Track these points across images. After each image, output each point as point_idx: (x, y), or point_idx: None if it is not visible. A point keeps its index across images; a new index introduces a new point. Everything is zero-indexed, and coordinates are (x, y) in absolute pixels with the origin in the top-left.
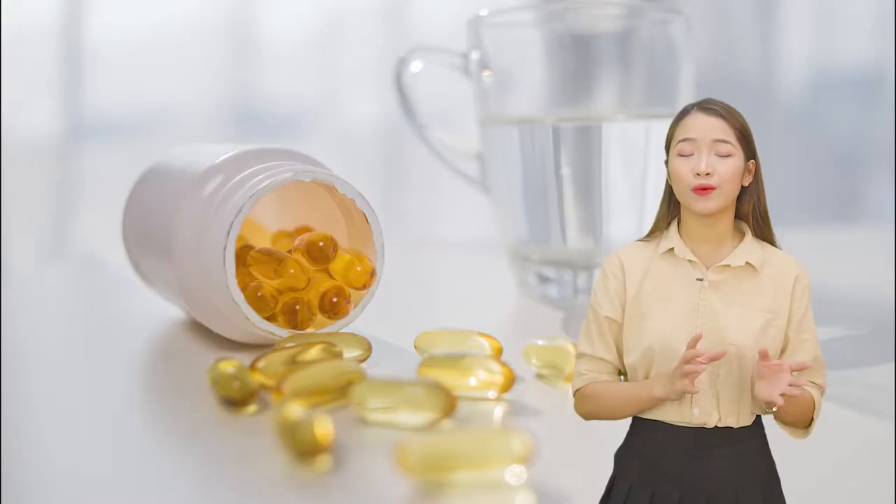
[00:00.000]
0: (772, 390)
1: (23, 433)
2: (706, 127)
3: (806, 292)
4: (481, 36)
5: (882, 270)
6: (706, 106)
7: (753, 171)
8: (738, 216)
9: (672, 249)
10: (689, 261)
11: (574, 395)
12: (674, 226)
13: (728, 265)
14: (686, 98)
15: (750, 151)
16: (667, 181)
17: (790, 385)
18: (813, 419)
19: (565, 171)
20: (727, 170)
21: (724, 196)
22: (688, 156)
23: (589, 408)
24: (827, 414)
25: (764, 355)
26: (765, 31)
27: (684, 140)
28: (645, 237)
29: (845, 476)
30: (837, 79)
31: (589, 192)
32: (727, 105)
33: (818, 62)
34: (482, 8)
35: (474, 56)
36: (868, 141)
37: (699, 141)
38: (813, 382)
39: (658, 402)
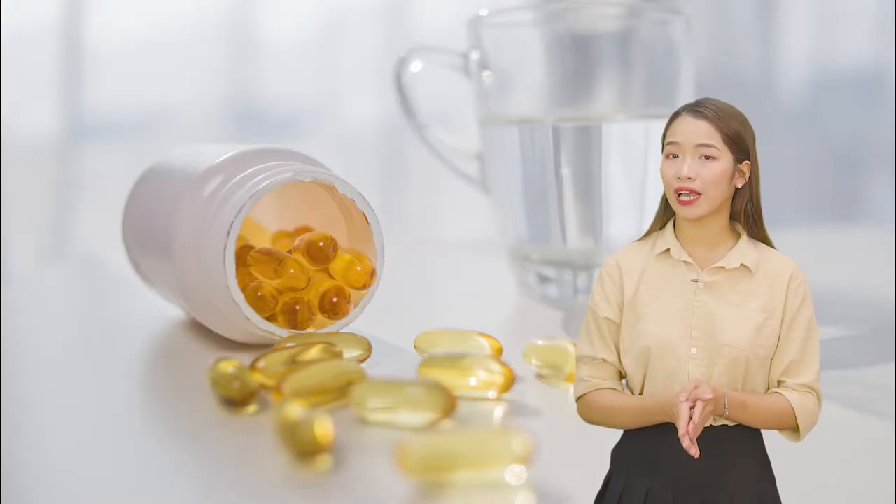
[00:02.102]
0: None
1: (23, 433)
2: (691, 131)
3: (801, 289)
4: (481, 36)
5: (882, 270)
6: (696, 108)
7: (747, 172)
8: (732, 216)
9: (668, 250)
10: (685, 262)
11: (577, 400)
12: (670, 226)
13: (723, 267)
14: (686, 98)
15: (742, 153)
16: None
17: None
18: (799, 425)
19: (565, 171)
20: (711, 174)
21: (710, 201)
22: (673, 158)
23: (592, 416)
24: (827, 414)
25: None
26: (765, 31)
27: (670, 143)
28: (641, 238)
29: (845, 476)
30: (837, 79)
31: (589, 192)
32: (720, 106)
33: (818, 62)
34: (482, 8)
35: (474, 56)
36: (868, 141)
37: (683, 144)
38: (804, 385)
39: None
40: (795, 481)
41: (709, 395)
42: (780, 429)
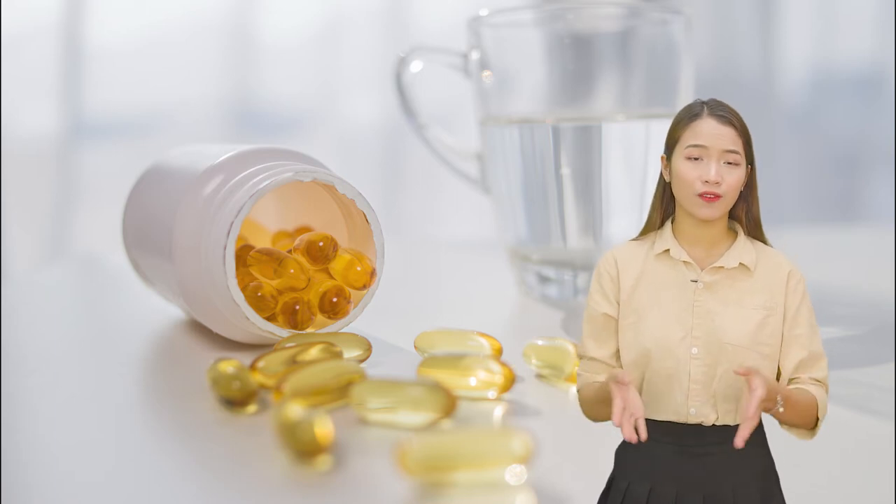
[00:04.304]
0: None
1: (23, 433)
2: (718, 135)
3: (800, 287)
4: (481, 36)
5: (882, 270)
6: (718, 112)
7: (750, 175)
8: (731, 217)
9: (667, 251)
10: (684, 262)
11: (578, 394)
12: (668, 226)
13: (722, 266)
14: (686, 98)
15: (750, 158)
16: (660, 180)
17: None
18: (818, 419)
19: (565, 171)
20: (734, 179)
21: (727, 204)
22: (695, 161)
23: (584, 412)
24: (827, 414)
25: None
26: (765, 31)
27: (695, 146)
28: (638, 236)
29: (845, 476)
30: (837, 79)
31: (589, 192)
32: (733, 110)
33: (818, 62)
34: (482, 8)
35: (474, 56)
36: (868, 141)
37: (710, 149)
38: (816, 380)
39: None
40: (796, 481)
41: (626, 379)
42: (805, 424)
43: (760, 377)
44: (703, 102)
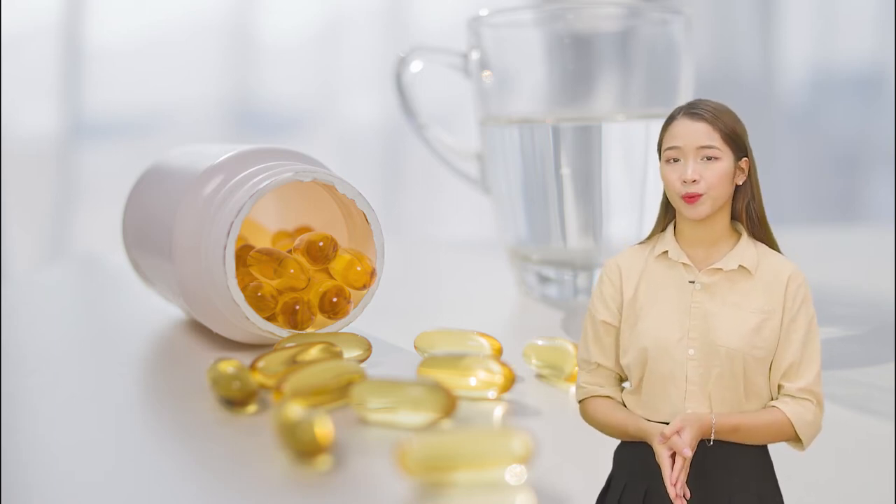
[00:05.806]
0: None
1: (23, 433)
2: (691, 133)
3: (800, 292)
4: (481, 36)
5: (882, 270)
6: (691, 111)
7: (746, 169)
8: (734, 215)
9: (667, 252)
10: (683, 263)
11: (578, 403)
12: (670, 228)
13: (720, 268)
14: (686, 98)
15: (741, 150)
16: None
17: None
18: (801, 437)
19: (565, 171)
20: (714, 175)
21: (714, 200)
22: (675, 162)
23: (589, 422)
24: (827, 414)
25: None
26: (765, 31)
27: (671, 147)
28: (643, 241)
29: (845, 476)
30: (837, 79)
31: (589, 192)
32: (715, 106)
33: (818, 62)
34: (482, 8)
35: (474, 56)
36: (868, 141)
37: (684, 148)
38: (802, 390)
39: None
40: (795, 481)
41: (688, 453)
42: (782, 441)
43: (684, 434)
44: (683, 105)
